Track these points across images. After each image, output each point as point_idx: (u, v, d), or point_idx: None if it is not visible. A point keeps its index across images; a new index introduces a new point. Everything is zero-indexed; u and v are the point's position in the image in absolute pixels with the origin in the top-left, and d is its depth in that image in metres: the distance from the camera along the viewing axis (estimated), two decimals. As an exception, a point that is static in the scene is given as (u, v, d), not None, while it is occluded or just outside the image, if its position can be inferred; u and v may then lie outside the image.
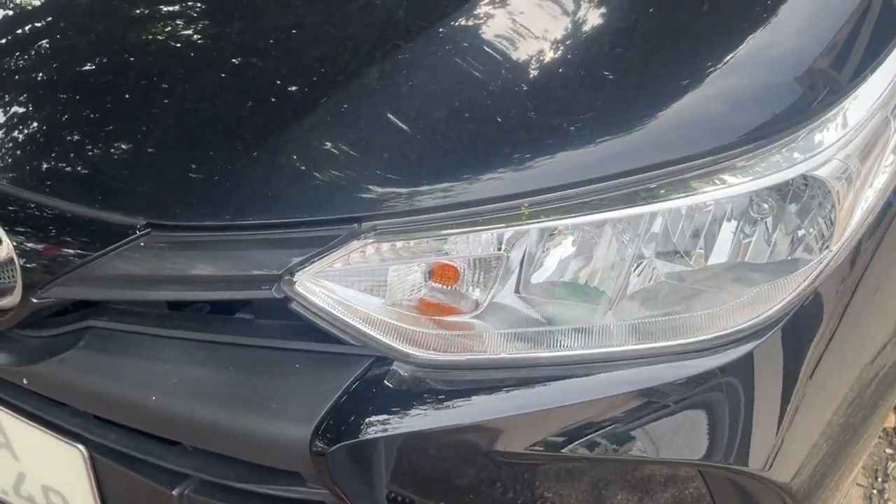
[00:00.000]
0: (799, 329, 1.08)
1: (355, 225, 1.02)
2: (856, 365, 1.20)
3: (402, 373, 1.03)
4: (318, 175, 1.05)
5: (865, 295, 1.16)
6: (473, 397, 1.02)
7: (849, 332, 1.15)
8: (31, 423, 1.16)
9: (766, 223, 1.08)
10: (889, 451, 2.07)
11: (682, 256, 1.07)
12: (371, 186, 1.04)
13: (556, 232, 1.05)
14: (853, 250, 1.11)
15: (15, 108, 1.16)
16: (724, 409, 1.05)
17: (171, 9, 1.26)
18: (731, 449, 1.06)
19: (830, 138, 1.06)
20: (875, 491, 1.98)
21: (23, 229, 1.08)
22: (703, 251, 1.07)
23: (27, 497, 1.26)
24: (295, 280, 1.02)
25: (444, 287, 1.07)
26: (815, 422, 1.15)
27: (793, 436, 1.10)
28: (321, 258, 1.02)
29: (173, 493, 1.10)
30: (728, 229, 1.07)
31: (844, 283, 1.12)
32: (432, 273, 1.07)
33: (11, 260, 1.09)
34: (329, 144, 1.06)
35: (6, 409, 1.17)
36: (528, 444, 1.02)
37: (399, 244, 1.03)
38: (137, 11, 1.27)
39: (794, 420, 1.10)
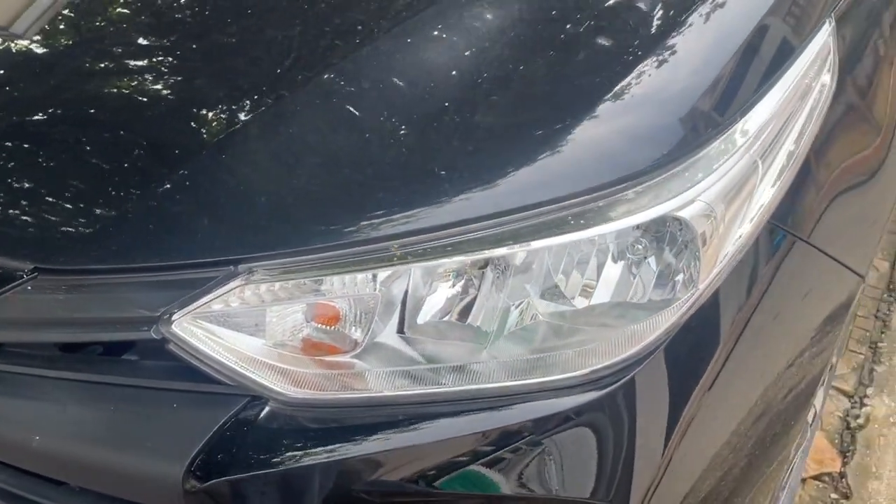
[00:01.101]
0: (676, 364, 1.10)
1: (232, 267, 1.05)
2: (745, 400, 1.22)
3: (275, 412, 1.06)
4: (198, 219, 1.09)
5: (754, 334, 1.18)
6: (344, 435, 1.05)
7: (734, 372, 1.17)
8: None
9: (642, 263, 1.10)
10: (833, 496, 2.07)
11: (563, 297, 1.10)
12: (249, 230, 1.07)
13: (438, 272, 1.08)
14: (739, 285, 1.14)
15: None
16: (597, 446, 1.07)
17: (55, 62, 1.31)
18: (598, 486, 1.07)
19: (695, 181, 1.09)
20: (818, 536, 1.97)
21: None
22: (582, 291, 1.10)
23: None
24: (173, 321, 1.05)
25: (326, 327, 1.10)
26: (698, 460, 1.16)
27: (672, 472, 1.11)
28: (198, 300, 1.05)
29: (60, 532, 1.12)
30: (607, 269, 1.10)
31: (727, 321, 1.14)
32: (314, 313, 1.10)
33: None
34: (209, 190, 1.10)
35: None
36: (397, 480, 1.04)
37: (276, 285, 1.07)
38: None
39: (672, 456, 1.11)
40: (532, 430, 1.05)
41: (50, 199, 1.12)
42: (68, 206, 1.12)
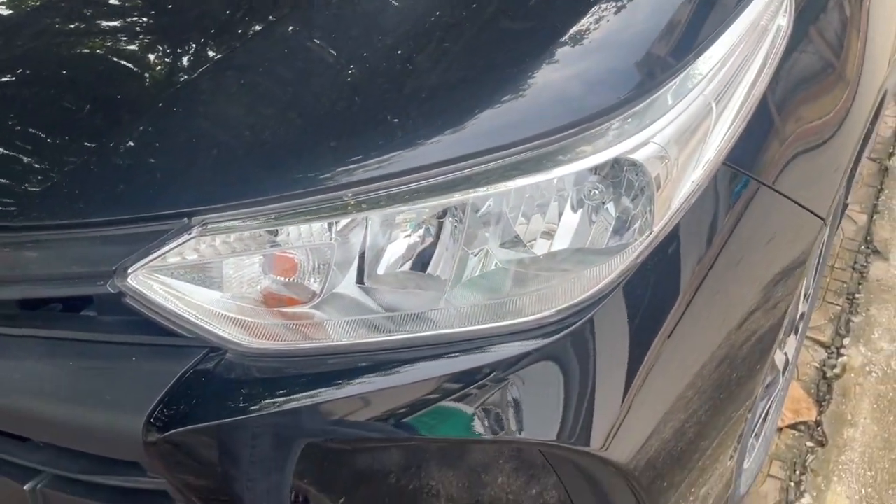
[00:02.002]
0: (635, 307, 1.11)
1: (186, 219, 1.05)
2: (707, 344, 1.22)
3: (233, 363, 1.06)
4: (150, 172, 1.09)
5: (716, 279, 1.19)
6: (302, 384, 1.05)
7: (696, 316, 1.17)
8: None
9: (600, 209, 1.10)
10: (809, 444, 2.09)
11: (522, 244, 1.10)
12: (201, 182, 1.07)
13: (396, 222, 1.08)
14: (699, 231, 1.14)
15: None
16: (555, 387, 1.07)
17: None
18: (563, 428, 1.08)
19: (648, 123, 1.09)
20: (792, 483, 1.99)
21: None
22: (541, 238, 1.10)
23: None
24: (129, 275, 1.05)
25: (284, 279, 1.10)
26: (660, 400, 1.16)
27: (636, 414, 1.12)
28: (153, 253, 1.05)
29: (25, 487, 1.13)
30: (565, 216, 1.10)
31: (686, 264, 1.15)
32: (272, 265, 1.10)
33: None
34: (161, 143, 1.10)
35: None
36: (356, 427, 1.05)
37: (231, 237, 1.06)
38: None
39: (633, 398, 1.11)
40: (491, 374, 1.06)
41: (3, 155, 1.11)
42: (18, 162, 1.11)
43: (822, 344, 2.36)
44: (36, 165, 1.11)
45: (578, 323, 1.06)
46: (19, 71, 1.20)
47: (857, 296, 2.52)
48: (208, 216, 1.05)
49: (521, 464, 1.14)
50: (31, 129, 1.14)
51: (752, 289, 1.25)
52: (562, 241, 1.10)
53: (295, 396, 1.05)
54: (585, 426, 1.08)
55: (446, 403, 1.06)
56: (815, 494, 1.96)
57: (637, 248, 1.09)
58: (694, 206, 1.12)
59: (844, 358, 2.30)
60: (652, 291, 1.11)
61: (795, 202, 1.26)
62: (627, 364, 1.09)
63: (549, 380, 1.07)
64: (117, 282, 1.05)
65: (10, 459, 1.14)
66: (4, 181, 1.10)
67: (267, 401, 1.05)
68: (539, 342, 1.06)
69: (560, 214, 1.10)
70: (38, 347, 1.11)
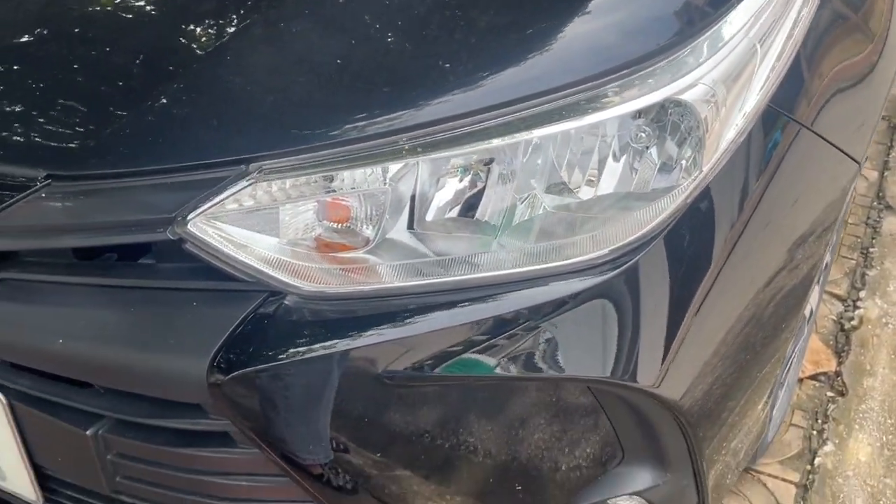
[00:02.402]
0: (681, 249, 1.13)
1: (243, 166, 1.07)
2: (752, 284, 1.25)
3: (293, 306, 1.08)
4: (208, 120, 1.10)
5: (761, 220, 1.21)
6: (358, 325, 1.07)
7: (743, 256, 1.19)
8: (-49, 376, 1.21)
9: (645, 153, 1.12)
10: (830, 393, 2.12)
11: (568, 189, 1.12)
12: (259, 129, 1.09)
13: (445, 168, 1.10)
14: (745, 172, 1.17)
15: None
16: (608, 326, 1.10)
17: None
18: (617, 365, 1.10)
19: (697, 64, 1.11)
20: (815, 432, 2.03)
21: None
22: (587, 183, 1.12)
23: (-41, 451, 1.31)
24: (188, 222, 1.07)
25: (338, 225, 1.12)
26: (708, 340, 1.19)
27: (684, 353, 1.15)
28: (212, 199, 1.07)
29: (87, 433, 1.15)
30: (610, 160, 1.12)
31: (733, 205, 1.17)
32: (325, 212, 1.12)
33: (-79, 219, 1.14)
34: (218, 91, 1.11)
35: (-74, 364, 1.22)
36: (412, 367, 1.07)
37: (288, 183, 1.08)
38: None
39: (684, 337, 1.14)
40: (545, 314, 1.08)
41: (61, 107, 1.13)
42: (79, 112, 1.13)
43: (838, 297, 2.39)
44: (93, 115, 1.12)
45: (631, 262, 1.09)
46: (75, 25, 1.21)
47: (871, 250, 2.55)
48: (265, 162, 1.07)
49: (568, 404, 1.17)
50: (88, 80, 1.15)
51: (794, 230, 1.28)
52: (608, 185, 1.12)
53: (352, 338, 1.07)
54: (638, 363, 1.10)
55: (500, 342, 1.08)
56: (837, 442, 2.00)
57: (687, 188, 1.11)
58: (740, 147, 1.14)
59: (861, 310, 2.34)
60: (701, 231, 1.14)
61: (833, 145, 1.28)
62: (678, 302, 1.12)
63: (603, 318, 1.09)
64: (177, 228, 1.06)
65: (72, 405, 1.16)
66: (64, 131, 1.12)
67: (325, 342, 1.07)
68: (593, 281, 1.08)
69: (607, 158, 1.12)
70: (98, 295, 1.13)
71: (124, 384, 1.11)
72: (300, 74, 1.11)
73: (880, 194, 2.77)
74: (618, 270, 1.09)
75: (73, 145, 1.11)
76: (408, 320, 1.08)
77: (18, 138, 1.13)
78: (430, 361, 1.08)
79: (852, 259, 2.51)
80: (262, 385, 1.06)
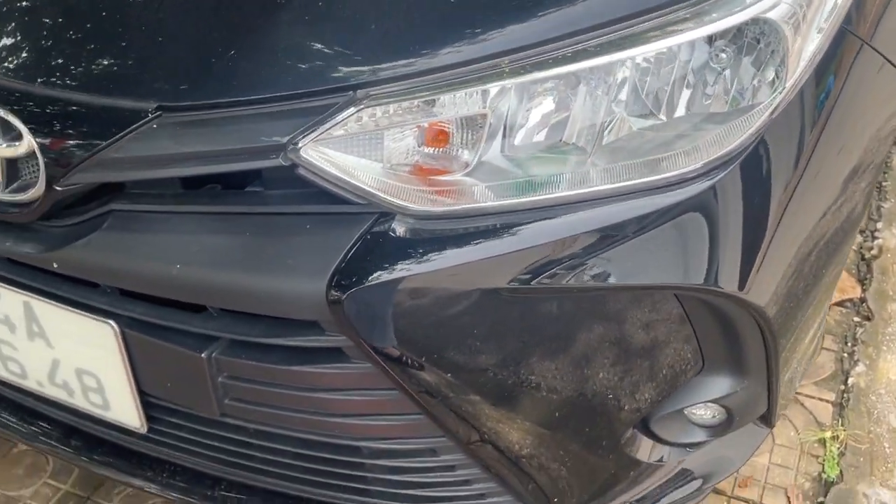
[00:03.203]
0: (764, 163, 1.19)
1: (351, 93, 1.11)
2: (822, 200, 1.32)
3: (403, 225, 1.13)
4: (315, 49, 1.14)
5: (831, 134, 1.27)
6: (465, 241, 1.12)
7: (815, 172, 1.26)
8: (63, 306, 1.24)
9: (725, 74, 1.18)
10: (857, 319, 2.21)
11: (651, 111, 1.17)
12: (364, 57, 1.13)
13: (536, 92, 1.15)
14: (818, 90, 1.22)
15: (25, 6, 1.24)
16: (702, 235, 1.16)
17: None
18: (711, 272, 1.17)
19: (779, -17, 1.16)
20: (846, 354, 2.11)
21: (42, 124, 1.16)
22: (669, 105, 1.17)
23: (61, 384, 1.35)
24: (300, 148, 1.11)
25: (436, 150, 1.17)
26: (788, 250, 1.26)
27: (768, 261, 1.21)
28: (322, 126, 1.11)
29: (202, 355, 1.20)
30: (694, 81, 1.17)
31: (810, 119, 1.23)
32: (425, 138, 1.16)
33: (33, 153, 1.17)
34: (325, 20, 1.15)
35: (39, 297, 1.26)
36: (513, 280, 1.12)
37: (392, 108, 1.12)
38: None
39: (769, 246, 1.21)
40: (633, 228, 1.14)
41: (170, 40, 1.16)
42: (189, 44, 1.16)
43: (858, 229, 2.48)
44: (205, 46, 1.15)
45: (722, 175, 1.15)
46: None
47: (884, 184, 2.63)
48: (372, 89, 1.11)
49: (655, 316, 1.23)
50: (197, 12, 1.18)
51: (858, 145, 1.34)
52: (692, 106, 1.17)
53: (457, 254, 1.12)
54: (731, 270, 1.17)
55: (597, 254, 1.14)
56: (867, 363, 2.09)
57: (770, 105, 1.16)
58: (818, 65, 1.20)
59: (879, 240, 2.42)
60: (782, 145, 1.20)
61: (884, 57, 1.34)
62: (764, 212, 1.18)
63: (697, 228, 1.15)
64: (290, 154, 1.11)
65: (187, 329, 1.20)
66: (174, 63, 1.15)
67: (434, 258, 1.12)
68: (686, 194, 1.14)
69: (691, 80, 1.17)
70: (211, 223, 1.17)
71: (243, 306, 1.15)
72: (404, 3, 1.15)
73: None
74: (709, 183, 1.15)
75: (182, 76, 1.14)
76: (507, 236, 1.14)
77: (128, 72, 1.16)
78: (528, 274, 1.13)
79: (867, 192, 2.59)
80: (378, 300, 1.11)
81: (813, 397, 2.01)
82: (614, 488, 1.37)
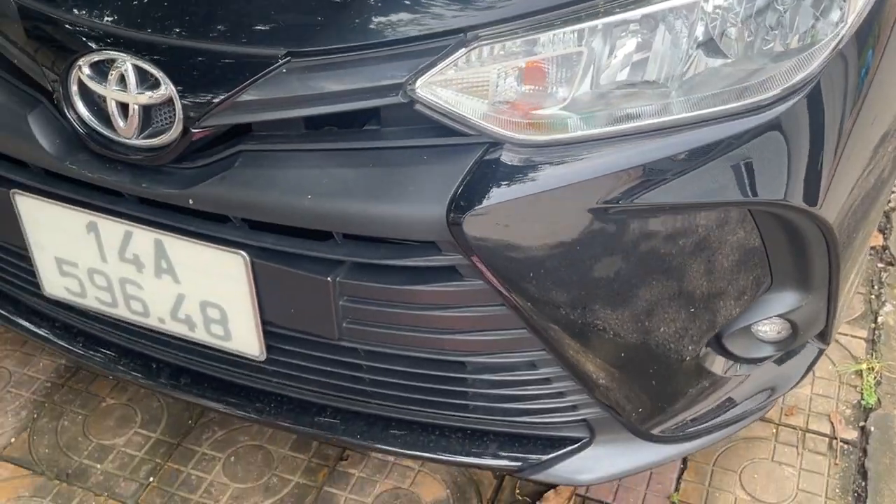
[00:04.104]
0: (831, 93, 1.33)
1: (462, 35, 1.24)
2: (877, 134, 1.46)
3: (510, 154, 1.26)
4: (426, -2, 1.27)
5: (883, 75, 1.41)
6: (565, 166, 1.26)
7: (873, 100, 1.40)
8: (195, 241, 1.37)
9: (796, 8, 1.31)
10: (880, 264, 2.36)
11: (723, 53, 1.30)
12: (472, 2, 1.26)
13: (621, 33, 1.27)
14: (874, 29, 1.36)
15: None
16: (782, 155, 1.29)
17: None
18: (786, 188, 1.30)
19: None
20: (873, 296, 2.26)
21: (181, 72, 1.28)
22: (739, 42, 1.30)
23: (184, 319, 1.47)
24: (416, 86, 1.24)
25: (535, 88, 1.30)
26: (853, 171, 1.40)
27: (837, 180, 1.35)
28: (436, 66, 1.24)
29: (328, 279, 1.32)
30: (761, 18, 1.30)
31: (867, 53, 1.37)
32: (524, 77, 1.29)
33: (170, 100, 1.30)
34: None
35: (171, 234, 1.38)
36: (609, 199, 1.25)
37: (497, 49, 1.26)
38: None
39: (837, 166, 1.34)
40: (719, 149, 1.28)
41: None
42: (315, -5, 1.29)
43: (875, 184, 2.63)
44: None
45: (793, 101, 1.28)
46: None
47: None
48: (480, 31, 1.24)
49: (730, 236, 1.36)
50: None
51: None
52: (762, 42, 1.30)
53: (563, 176, 1.26)
54: (805, 187, 1.31)
55: (690, 174, 1.27)
56: (894, 303, 2.23)
57: (837, 37, 1.30)
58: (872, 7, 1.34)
59: (895, 193, 2.57)
60: (847, 74, 1.34)
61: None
62: (833, 137, 1.32)
63: (776, 149, 1.29)
64: (408, 92, 1.23)
65: (314, 255, 1.32)
66: (300, 12, 1.27)
67: (539, 182, 1.25)
68: (767, 117, 1.28)
69: (756, 16, 1.30)
70: (336, 158, 1.29)
71: (370, 230, 1.28)
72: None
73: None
74: (783, 108, 1.28)
75: (308, 24, 1.27)
76: (600, 161, 1.27)
77: (259, 21, 1.28)
78: (624, 192, 1.26)
79: (882, 151, 2.75)
80: (492, 221, 1.24)
81: (846, 335, 2.16)
82: (688, 399, 1.50)
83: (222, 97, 1.27)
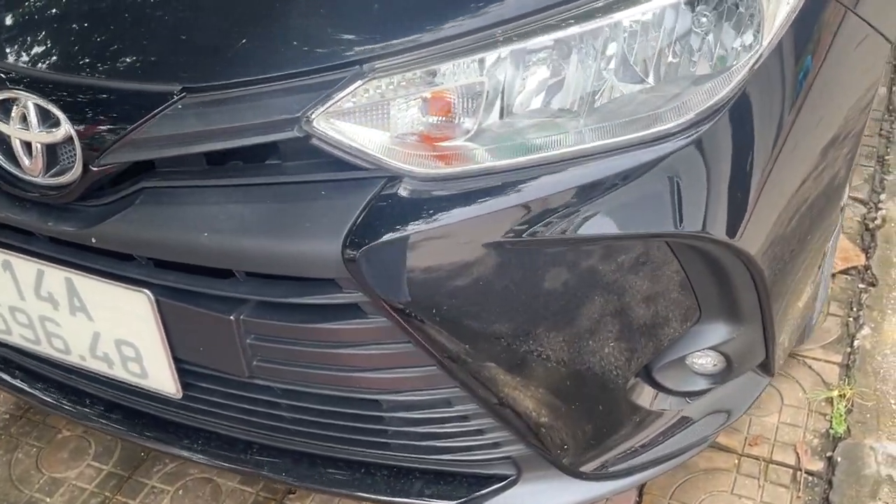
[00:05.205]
0: (748, 117, 1.27)
1: (357, 67, 1.21)
2: (810, 156, 1.40)
3: (409, 187, 1.23)
4: (324, 28, 1.25)
5: (810, 105, 1.36)
6: (466, 199, 1.22)
7: (803, 127, 1.34)
8: (101, 279, 1.35)
9: (709, 35, 1.26)
10: (861, 285, 2.28)
11: (639, 77, 1.26)
12: (368, 33, 1.23)
13: (531, 61, 1.24)
14: (795, 49, 1.31)
15: (58, 2, 1.35)
16: (693, 185, 1.24)
17: None
18: (701, 219, 1.25)
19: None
20: (851, 319, 2.18)
21: (77, 110, 1.27)
22: (656, 68, 1.26)
23: (102, 357, 1.46)
24: (313, 120, 1.21)
25: (440, 119, 1.26)
26: (778, 202, 1.34)
27: (759, 211, 1.30)
28: (332, 99, 1.21)
29: (231, 317, 1.30)
30: (676, 46, 1.26)
31: (791, 79, 1.31)
32: (429, 108, 1.26)
33: (70, 138, 1.28)
34: (330, 2, 1.25)
35: (79, 272, 1.36)
36: (514, 233, 1.21)
37: (395, 80, 1.22)
38: None
39: (759, 197, 1.29)
40: (626, 180, 1.23)
41: (191, 26, 1.27)
42: (207, 29, 1.26)
43: (860, 201, 2.55)
44: (220, 30, 1.26)
45: (707, 127, 1.24)
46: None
47: (886, 158, 2.70)
48: (376, 63, 1.21)
49: (651, 267, 1.31)
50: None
51: (838, 115, 1.43)
52: (675, 69, 1.26)
53: (461, 211, 1.22)
54: (721, 217, 1.26)
55: (592, 206, 1.23)
56: (873, 326, 2.15)
57: (748, 63, 1.25)
58: (793, 24, 1.29)
59: (883, 211, 2.49)
60: (766, 102, 1.28)
61: (869, 24, 1.42)
62: (751, 163, 1.27)
63: (684, 178, 1.24)
64: (304, 126, 1.21)
65: (216, 293, 1.30)
66: (195, 47, 1.25)
67: (441, 215, 1.21)
68: (675, 146, 1.23)
69: (673, 44, 1.26)
70: (234, 194, 1.27)
71: (267, 268, 1.25)
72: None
73: (890, 107, 2.92)
74: (695, 135, 1.23)
75: (204, 59, 1.25)
76: (504, 193, 1.23)
77: (154, 58, 1.26)
78: (528, 226, 1.22)
79: (870, 166, 2.67)
80: (389, 257, 1.21)
81: (820, 360, 2.08)
82: (619, 435, 1.45)
83: (119, 135, 1.26)
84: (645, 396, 1.45)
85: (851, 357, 2.08)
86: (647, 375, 1.44)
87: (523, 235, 1.22)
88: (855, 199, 2.55)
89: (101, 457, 1.97)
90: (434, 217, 1.21)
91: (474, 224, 1.22)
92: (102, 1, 1.33)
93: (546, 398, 1.35)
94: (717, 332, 1.41)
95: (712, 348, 1.43)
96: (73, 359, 1.50)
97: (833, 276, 2.29)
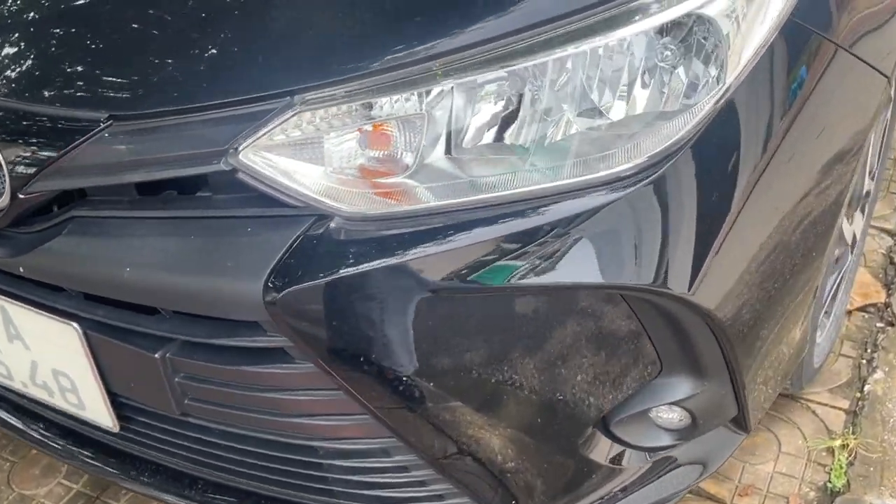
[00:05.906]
0: (709, 161, 1.17)
1: (288, 98, 1.14)
2: (784, 204, 1.29)
3: (339, 227, 1.15)
4: (254, 57, 1.18)
5: (796, 139, 1.25)
6: (400, 242, 1.14)
7: (776, 173, 1.24)
8: (33, 309, 1.31)
9: (673, 72, 1.17)
10: (879, 324, 2.14)
11: (598, 112, 1.17)
12: (301, 63, 1.16)
13: (478, 94, 1.15)
14: (769, 86, 1.20)
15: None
16: (642, 234, 1.15)
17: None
18: (653, 271, 1.15)
19: (716, -21, 1.14)
20: (864, 361, 2.04)
21: (5, 136, 1.23)
22: (616, 105, 1.16)
23: (42, 385, 1.41)
24: (240, 152, 1.14)
25: (378, 153, 1.19)
26: (743, 254, 1.23)
27: (718, 264, 1.19)
28: (260, 130, 1.14)
29: (156, 356, 1.24)
30: (638, 81, 1.16)
31: (762, 119, 1.21)
32: (367, 141, 1.18)
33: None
34: (262, 30, 1.19)
35: (13, 301, 1.32)
36: (445, 279, 1.13)
37: (330, 112, 1.15)
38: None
39: (719, 248, 1.19)
40: (572, 225, 1.13)
41: (118, 54, 1.22)
42: (135, 57, 1.21)
43: (887, 232, 2.40)
44: (148, 59, 1.20)
45: (660, 172, 1.14)
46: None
47: (916, 189, 2.54)
48: (308, 94, 1.14)
49: (607, 319, 1.22)
50: (142, 26, 1.23)
51: (822, 148, 1.31)
52: (638, 106, 1.16)
53: (394, 254, 1.13)
54: (673, 270, 1.15)
55: (535, 253, 1.14)
56: (886, 370, 2.01)
57: (710, 100, 1.15)
58: (762, 60, 1.18)
59: (904, 242, 2.34)
60: (729, 143, 1.18)
61: (859, 58, 1.31)
62: (711, 212, 1.17)
63: (636, 227, 1.14)
64: (230, 159, 1.14)
65: (142, 331, 1.24)
66: (122, 75, 1.20)
67: (369, 259, 1.13)
68: (625, 192, 1.13)
69: (635, 80, 1.16)
70: (161, 227, 1.21)
71: (188, 307, 1.19)
72: (336, 9, 1.18)
73: (930, 131, 2.75)
74: (648, 180, 1.14)
75: (131, 88, 1.19)
76: (444, 236, 1.14)
77: (80, 84, 1.22)
78: (466, 272, 1.14)
79: (901, 195, 2.51)
80: (312, 300, 1.13)
81: (825, 405, 1.95)
82: (575, 490, 1.36)
83: (46, 162, 1.21)
84: (601, 450, 1.36)
85: (860, 403, 1.95)
86: (605, 428, 1.35)
87: (460, 283, 1.14)
88: (881, 230, 2.40)
89: (71, 476, 1.94)
90: (363, 260, 1.14)
91: (406, 269, 1.14)
92: (31, 27, 1.29)
93: (487, 453, 1.26)
94: (680, 386, 1.31)
95: (675, 403, 1.33)
96: (16, 385, 1.46)
97: (849, 313, 2.15)
